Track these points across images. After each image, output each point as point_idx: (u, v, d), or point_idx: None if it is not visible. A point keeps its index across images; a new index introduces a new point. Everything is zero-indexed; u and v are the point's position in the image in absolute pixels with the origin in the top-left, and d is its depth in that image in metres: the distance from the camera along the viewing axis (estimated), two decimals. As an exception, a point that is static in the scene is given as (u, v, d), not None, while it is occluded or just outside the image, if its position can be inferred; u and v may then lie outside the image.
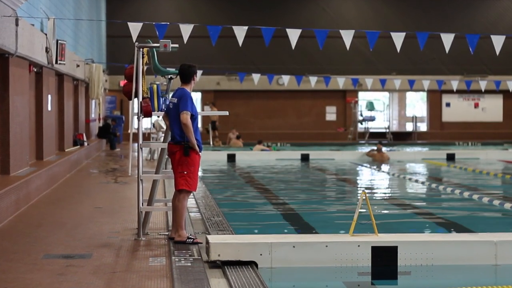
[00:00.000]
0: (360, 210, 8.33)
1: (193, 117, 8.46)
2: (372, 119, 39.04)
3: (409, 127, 41.93)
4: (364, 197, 8.27)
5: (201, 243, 8.46)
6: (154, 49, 9.29)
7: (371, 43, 14.94)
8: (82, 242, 8.70)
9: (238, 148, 31.81)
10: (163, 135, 9.76)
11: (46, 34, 15.53)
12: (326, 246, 7.92)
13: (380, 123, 40.66)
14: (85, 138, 23.25)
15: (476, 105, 40.00)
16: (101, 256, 7.90)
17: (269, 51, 34.80)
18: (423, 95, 42.36)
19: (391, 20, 38.64)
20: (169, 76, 9.42)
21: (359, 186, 18.84)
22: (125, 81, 9.32)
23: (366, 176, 21.92)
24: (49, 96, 16.98)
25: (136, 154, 9.13)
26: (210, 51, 35.87)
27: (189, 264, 7.48)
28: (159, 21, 33.01)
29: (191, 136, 8.39)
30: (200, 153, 8.58)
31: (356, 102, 38.79)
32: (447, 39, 15.02)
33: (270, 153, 27.16)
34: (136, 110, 9.09)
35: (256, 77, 28.20)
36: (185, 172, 8.48)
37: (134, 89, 9.03)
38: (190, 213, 10.93)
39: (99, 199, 13.00)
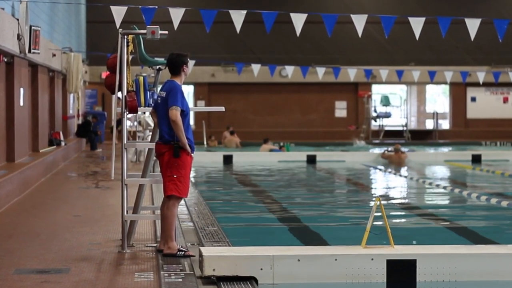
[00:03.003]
0: (373, 219, 8.33)
1: (184, 113, 8.46)
2: (387, 115, 39.05)
3: (429, 124, 41.95)
4: (378, 204, 8.27)
5: (193, 256, 8.46)
6: (140, 36, 9.29)
7: (386, 29, 14.93)
8: (58, 255, 8.70)
9: (235, 149, 31.74)
10: (151, 133, 9.75)
11: (17, 20, 15.52)
12: (336, 259, 7.93)
13: (396, 120, 40.69)
14: (62, 137, 23.25)
15: (505, 100, 40.00)
16: (80, 271, 7.90)
17: (270, 38, 34.81)
18: (445, 88, 42.37)
19: (409, 4, 38.65)
20: (157, 67, 9.42)
21: (372, 191, 18.84)
22: (108, 72, 9.31)
23: (381, 180, 21.92)
24: (22, 90, 16.98)
25: (120, 155, 9.12)
26: (204, 38, 35.87)
27: (180, 280, 7.48)
28: (146, 4, 33.05)
29: (181, 135, 8.39)
30: (192, 154, 8.58)
31: (370, 96, 38.80)
32: (473, 25, 15.02)
33: (271, 154, 27.14)
34: (120, 106, 9.08)
35: (256, 68, 28.18)
36: (175, 176, 8.47)
37: (118, 82, 9.03)
38: (181, 222, 10.93)
39: (78, 206, 13.00)
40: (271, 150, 27.75)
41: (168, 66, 8.68)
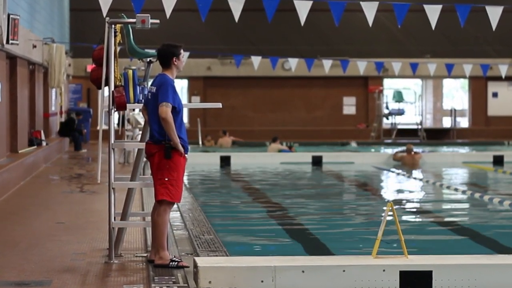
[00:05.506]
0: (385, 227, 8.32)
1: (176, 110, 8.45)
2: (400, 112, 39.03)
3: (446, 122, 41.95)
4: (390, 210, 8.27)
5: (187, 266, 8.46)
6: (129, 25, 9.29)
7: (399, 18, 14.92)
8: (39, 266, 8.70)
9: (228, 149, 31.72)
10: (140, 132, 9.75)
11: (-6, 7, 15.51)
12: (344, 270, 7.93)
13: (410, 118, 40.68)
14: (43, 137, 23.25)
15: (530, 96, 40.02)
16: (63, 283, 7.90)
17: (272, 28, 34.83)
18: (464, 83, 42.38)
19: (424, -10, 38.67)
20: (148, 60, 9.42)
21: (384, 196, 18.84)
22: (93, 65, 9.31)
23: (393, 183, 21.92)
24: (-1, 84, 16.99)
25: (106, 156, 9.12)
26: (199, 28, 35.87)
27: (173, 293, 7.49)
28: (135, -10, 33.07)
29: (172, 134, 8.37)
30: (186, 154, 8.58)
31: (381, 91, 38.80)
32: (494, 13, 15.01)
33: (273, 155, 27.14)
34: (106, 102, 9.08)
35: (256, 60, 28.16)
36: (166, 179, 8.46)
37: (105, 76, 9.02)
38: (174, 230, 10.94)
39: (61, 213, 13.00)
40: (280, 151, 27.63)
41: (158, 58, 8.69)
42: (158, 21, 9.09)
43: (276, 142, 28.32)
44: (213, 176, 23.16)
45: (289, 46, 37.49)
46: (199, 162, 25.35)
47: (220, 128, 35.45)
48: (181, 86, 38.68)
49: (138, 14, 9.08)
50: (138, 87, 9.18)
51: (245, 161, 26.06)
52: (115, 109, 9.02)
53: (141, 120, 21.12)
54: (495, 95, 39.91)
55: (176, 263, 8.51)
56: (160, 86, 8.47)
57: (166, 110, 8.36)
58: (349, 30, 37.44)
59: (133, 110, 19.89)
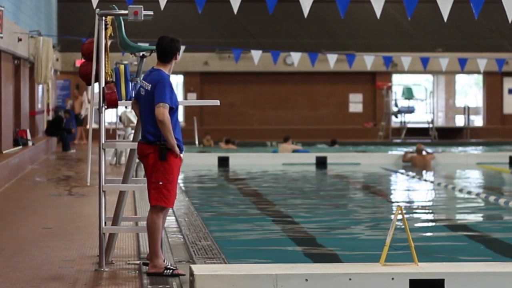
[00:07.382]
0: (394, 232, 8.33)
1: (172, 110, 8.41)
2: (410, 110, 39.03)
3: (459, 121, 41.94)
4: (399, 215, 8.27)
5: (183, 274, 8.46)
6: (121, 17, 9.29)
7: (409, 10, 14.92)
8: (25, 273, 8.71)
9: (232, 150, 31.78)
10: (133, 131, 9.75)
11: (-23, -2, 15.52)
12: (350, 279, 7.93)
13: (421, 116, 40.69)
14: (29, 136, 23.25)
15: (548, 92, 40.05)
16: (51, 292, 7.91)
17: (273, 20, 34.83)
18: (478, 78, 42.37)
19: (435, -20, 38.68)
20: (141, 54, 9.41)
21: (393, 200, 18.84)
22: (83, 60, 9.31)
23: (403, 186, 21.92)
24: (-18, 80, 17.00)
25: (96, 157, 9.12)
26: (196, 20, 35.88)
27: (168, 303, 7.50)
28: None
29: (169, 137, 8.32)
30: (181, 155, 8.56)
31: (390, 88, 38.81)
32: (510, 5, 15.00)
33: (274, 155, 27.16)
34: (97, 99, 9.08)
35: (256, 54, 28.17)
36: (161, 183, 8.42)
37: (95, 71, 9.02)
38: (169, 236, 10.94)
39: (48, 217, 13.00)
40: (294, 151, 27.54)
41: (159, 53, 8.59)
42: (151, 12, 9.08)
43: (288, 142, 28.27)
44: (211, 178, 23.15)
45: (291, 39, 37.50)
46: (196, 163, 25.35)
47: (218, 127, 35.46)
48: (176, 82, 38.65)
49: (130, 5, 9.07)
50: (130, 83, 9.17)
51: (244, 162, 26.05)
52: (106, 107, 9.01)
53: (134, 119, 21.11)
54: (511, 91, 39.91)
55: (171, 271, 8.51)
56: (157, 83, 8.39)
57: (163, 112, 8.29)
58: (355, 22, 37.44)
59: (126, 107, 19.87)
